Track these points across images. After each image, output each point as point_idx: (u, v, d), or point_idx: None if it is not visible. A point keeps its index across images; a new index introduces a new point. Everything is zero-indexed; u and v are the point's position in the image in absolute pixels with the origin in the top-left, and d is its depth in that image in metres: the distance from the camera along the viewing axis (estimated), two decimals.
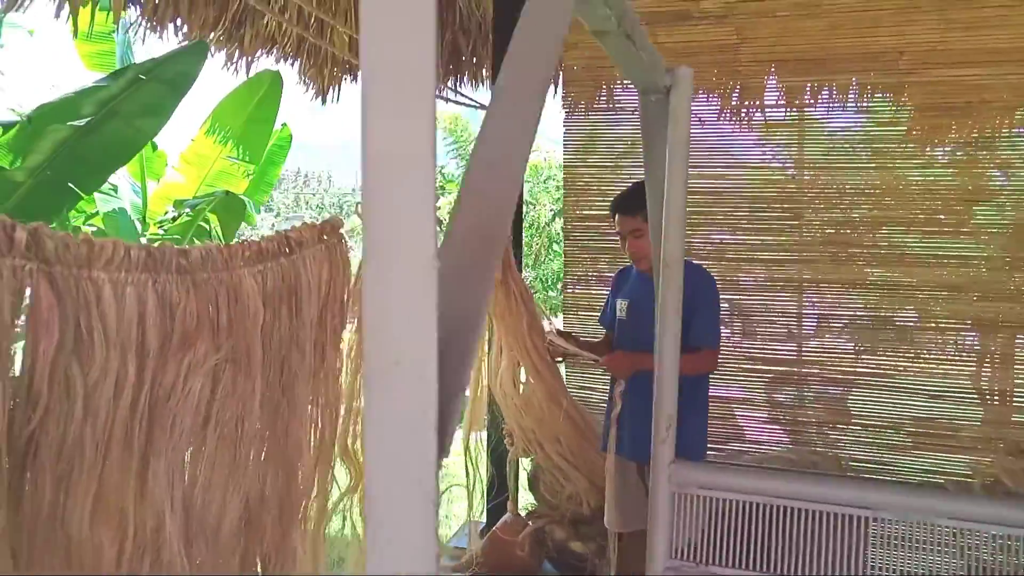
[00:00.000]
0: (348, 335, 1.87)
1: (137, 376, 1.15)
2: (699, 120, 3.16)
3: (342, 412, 1.85)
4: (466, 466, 2.83)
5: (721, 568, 1.32)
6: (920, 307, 2.89)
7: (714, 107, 3.10)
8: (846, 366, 2.99)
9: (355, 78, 4.46)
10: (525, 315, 2.71)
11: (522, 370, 2.85)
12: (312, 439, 1.71)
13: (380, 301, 0.47)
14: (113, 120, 3.27)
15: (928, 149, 2.84)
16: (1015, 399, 2.81)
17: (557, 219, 9.99)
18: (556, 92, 3.79)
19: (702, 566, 1.32)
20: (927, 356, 2.90)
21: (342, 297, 1.77)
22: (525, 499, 3.24)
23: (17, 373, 0.95)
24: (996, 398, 2.83)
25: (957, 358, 2.85)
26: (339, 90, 4.34)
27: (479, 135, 0.75)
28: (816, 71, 2.93)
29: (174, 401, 1.23)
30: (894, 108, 2.86)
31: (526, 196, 10.63)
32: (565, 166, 3.28)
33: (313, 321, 1.67)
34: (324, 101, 4.28)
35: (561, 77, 3.53)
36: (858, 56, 2.83)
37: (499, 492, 3.16)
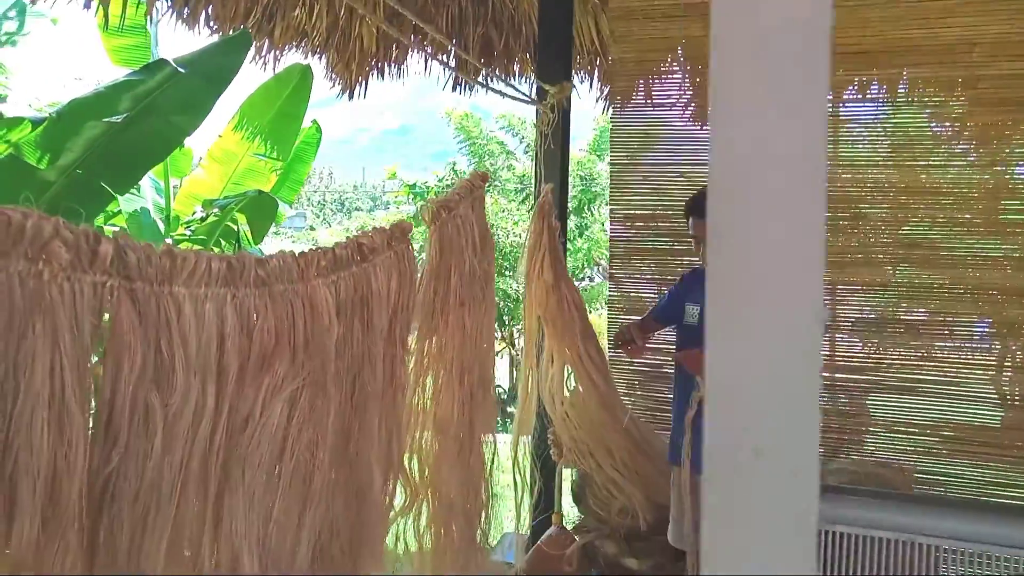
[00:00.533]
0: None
1: (216, 404, 1.02)
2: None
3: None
4: (514, 476, 2.70)
5: None
6: (988, 312, 2.75)
7: None
8: (907, 372, 2.86)
9: (382, 74, 4.32)
10: (578, 322, 2.58)
11: (570, 378, 2.72)
12: (382, 462, 1.58)
13: (733, 366, 0.34)
14: (150, 117, 3.12)
15: (994, 146, 2.70)
16: None
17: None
18: (591, 86, 3.66)
19: None
20: (993, 362, 2.76)
21: (409, 307, 1.65)
22: (568, 512, 3.11)
23: (94, 405, 0.83)
24: None
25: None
26: (366, 85, 4.22)
27: None
28: (878, 64, 2.79)
29: (252, 430, 1.10)
30: (950, 102, 2.73)
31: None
32: (612, 164, 3.14)
33: (383, 334, 1.55)
34: (352, 96, 4.16)
35: (599, 70, 3.41)
36: (921, 49, 2.69)
37: (542, 504, 3.03)
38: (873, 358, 2.89)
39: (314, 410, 1.24)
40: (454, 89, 4.31)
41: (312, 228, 20.67)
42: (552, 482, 2.99)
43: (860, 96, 2.88)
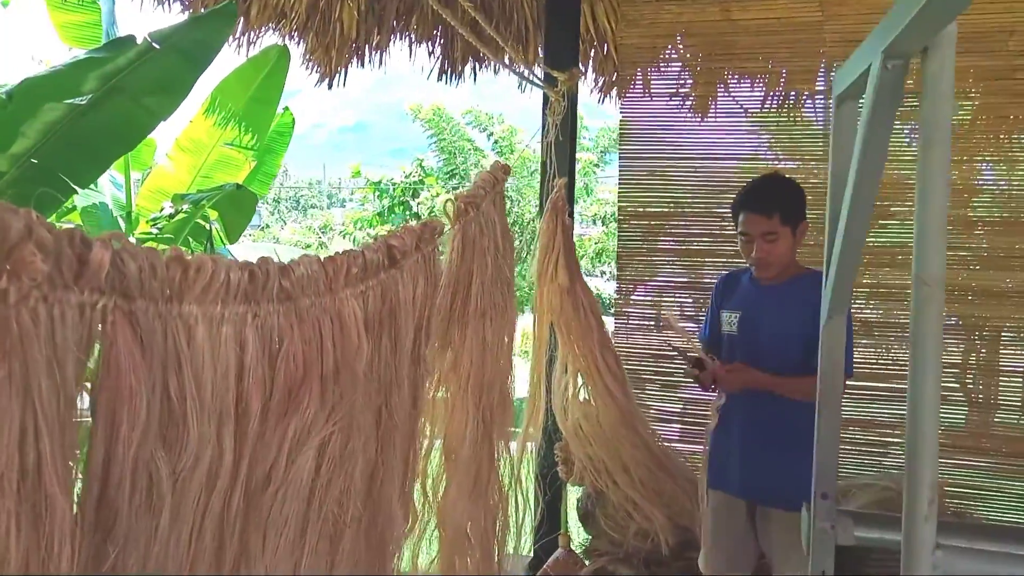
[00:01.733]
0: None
1: (234, 459, 0.78)
2: (744, 110, 2.86)
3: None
4: (516, 494, 2.48)
5: None
6: (1008, 316, 2.62)
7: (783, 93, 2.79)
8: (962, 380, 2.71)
9: (362, 61, 4.05)
10: (595, 329, 2.37)
11: (583, 389, 2.51)
12: (403, 499, 1.35)
13: None
14: (118, 98, 2.74)
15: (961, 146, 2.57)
16: None
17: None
18: (588, 73, 3.44)
19: None
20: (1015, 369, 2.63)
21: (432, 319, 1.41)
22: (575, 533, 2.90)
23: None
24: None
25: None
26: (346, 73, 3.95)
27: None
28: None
29: (275, 488, 0.86)
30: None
31: (508, 192, 10.24)
32: (621, 156, 2.94)
33: (408, 352, 1.31)
34: (331, 85, 3.88)
35: (601, 52, 3.20)
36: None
37: (547, 524, 2.82)
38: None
39: (345, 453, 1.00)
40: (439, 79, 4.06)
41: (267, 226, 20.06)
42: (558, 501, 2.77)
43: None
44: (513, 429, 1.92)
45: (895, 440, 2.76)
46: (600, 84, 3.64)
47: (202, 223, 3.78)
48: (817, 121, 2.76)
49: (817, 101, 2.76)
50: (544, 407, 2.51)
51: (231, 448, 0.77)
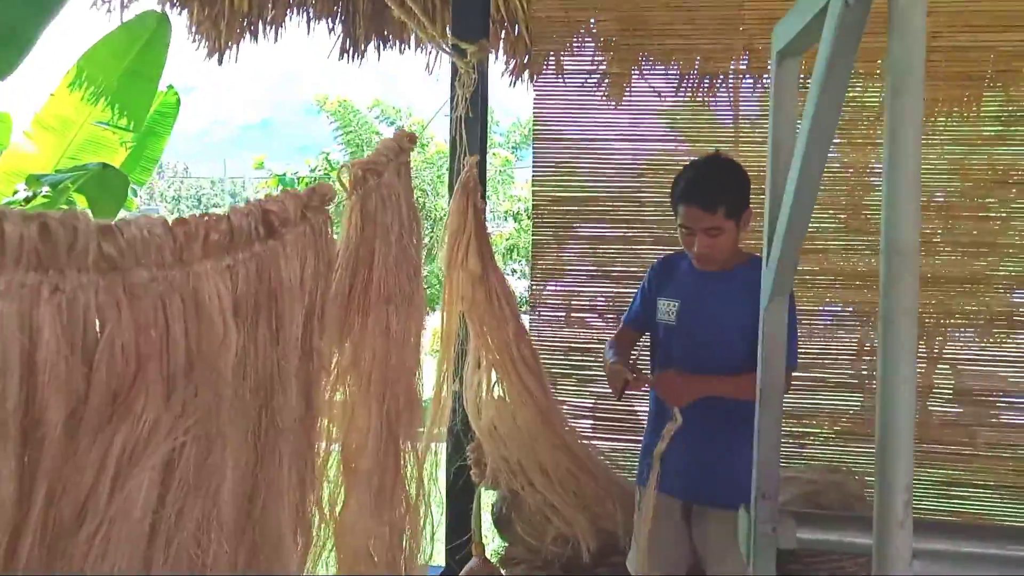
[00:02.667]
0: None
1: (20, 488, 0.54)
2: (658, 93, 2.75)
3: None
4: (423, 499, 2.28)
5: None
6: (945, 299, 2.61)
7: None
8: (857, 368, 2.68)
9: (255, 36, 3.73)
10: (511, 320, 2.19)
11: (497, 385, 2.32)
12: (293, 520, 1.12)
13: None
14: None
15: (945, 123, 2.55)
16: None
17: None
18: (498, 54, 3.25)
19: None
20: (951, 355, 2.62)
21: (325, 305, 1.19)
22: (490, 540, 2.71)
23: None
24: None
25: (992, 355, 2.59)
26: (238, 49, 3.62)
27: None
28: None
29: (93, 525, 0.62)
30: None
31: (423, 185, 10.00)
32: (535, 139, 2.77)
33: (297, 343, 1.08)
34: (220, 61, 3.55)
35: (512, 34, 3.02)
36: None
37: (459, 532, 2.62)
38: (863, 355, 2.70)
39: (204, 471, 0.77)
40: (341, 57, 3.78)
41: None
42: (470, 507, 2.58)
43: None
44: (421, 431, 1.72)
45: (814, 431, 2.71)
46: (512, 67, 3.47)
47: (67, 208, 3.34)
48: (749, 100, 2.66)
49: (743, 79, 2.67)
50: (453, 405, 2.31)
51: (13, 475, 0.54)
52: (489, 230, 2.29)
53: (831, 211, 2.68)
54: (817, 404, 2.69)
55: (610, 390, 1.98)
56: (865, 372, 2.71)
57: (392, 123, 10.98)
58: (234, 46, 3.66)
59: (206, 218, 0.82)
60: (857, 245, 2.66)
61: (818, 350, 2.69)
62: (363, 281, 1.44)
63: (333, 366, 1.39)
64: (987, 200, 2.55)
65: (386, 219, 1.50)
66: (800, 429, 2.70)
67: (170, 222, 0.78)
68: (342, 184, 1.32)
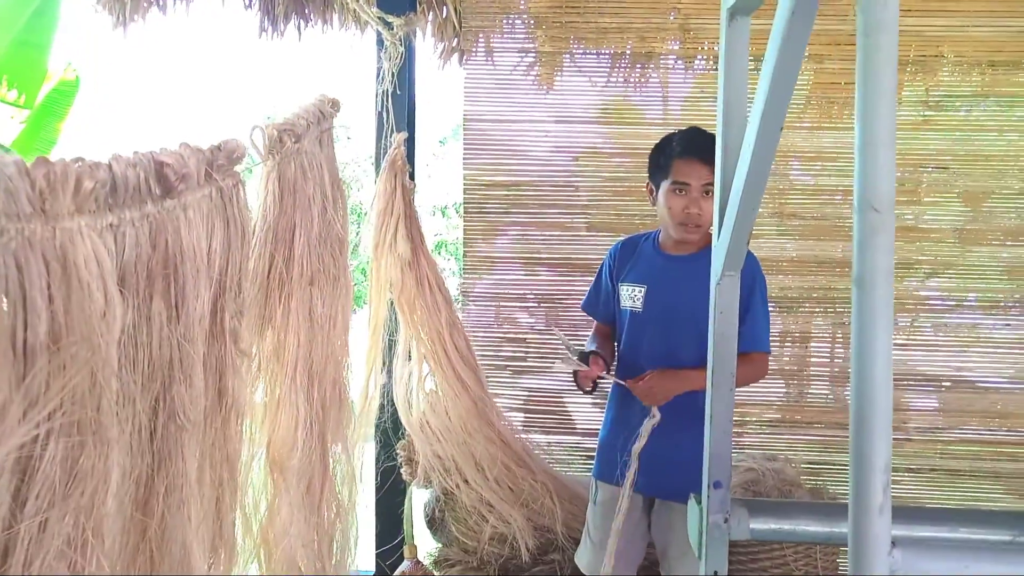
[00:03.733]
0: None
1: None
2: (590, 80, 2.68)
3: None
4: (353, 500, 2.13)
5: None
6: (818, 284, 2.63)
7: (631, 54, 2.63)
8: (798, 356, 2.67)
9: (163, 8, 3.48)
10: (443, 308, 2.07)
11: (429, 377, 2.20)
12: (205, 528, 0.98)
13: None
14: None
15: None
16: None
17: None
18: (427, 34, 3.12)
19: None
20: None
21: (241, 281, 1.05)
22: (424, 541, 2.58)
23: None
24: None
25: (917, 340, 2.61)
26: (144, 20, 3.36)
27: None
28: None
29: None
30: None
31: (347, 176, 9.73)
32: (466, 122, 2.65)
33: (204, 323, 0.94)
34: (125, 30, 3.29)
35: (440, 15, 2.89)
36: None
37: (391, 534, 2.48)
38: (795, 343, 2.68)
39: (77, 473, 0.62)
40: (259, 36, 3.56)
41: None
42: (402, 507, 2.44)
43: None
44: (351, 427, 1.58)
45: (751, 419, 2.68)
46: (441, 50, 3.33)
47: None
48: (683, 83, 2.61)
49: (676, 62, 2.62)
50: (381, 400, 2.17)
51: None
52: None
53: (764, 196, 2.66)
54: (752, 391, 2.67)
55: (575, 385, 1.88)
56: (787, 359, 2.70)
57: None
58: (139, 17, 3.40)
59: (78, 164, 0.67)
60: (787, 231, 2.65)
61: None
62: (284, 258, 1.30)
63: (254, 354, 1.25)
64: (911, 186, 2.58)
65: (308, 190, 1.36)
66: (737, 417, 2.67)
67: (34, 162, 0.63)
68: (255, 146, 1.17)
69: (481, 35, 2.68)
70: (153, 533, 0.78)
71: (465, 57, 2.72)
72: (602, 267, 2.01)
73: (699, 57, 2.61)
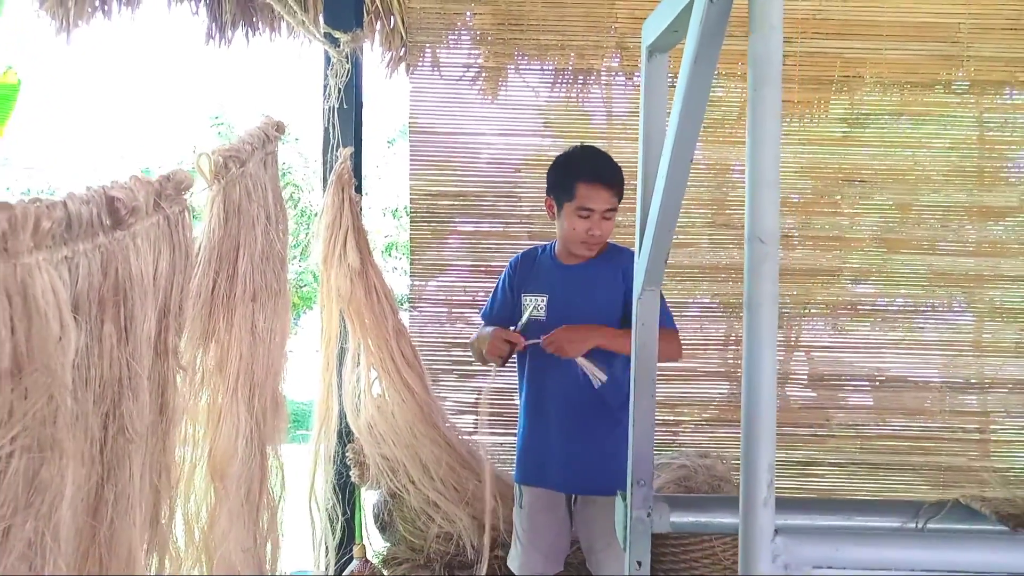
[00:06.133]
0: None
1: None
2: (534, 92, 2.79)
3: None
4: (310, 512, 2.21)
5: None
6: (801, 291, 2.78)
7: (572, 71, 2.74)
8: (724, 357, 2.81)
9: (108, 13, 3.47)
10: (390, 316, 2.15)
11: (377, 383, 2.27)
12: (146, 531, 1.04)
13: None
14: None
15: (799, 125, 2.71)
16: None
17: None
18: (374, 46, 3.18)
19: None
20: (806, 343, 2.80)
21: (183, 301, 1.12)
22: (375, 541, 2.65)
23: None
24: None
25: (841, 342, 2.78)
26: (88, 25, 3.35)
27: None
28: None
29: None
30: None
31: (296, 181, 9.71)
32: (411, 133, 2.73)
33: (150, 342, 1.01)
34: (69, 37, 3.28)
35: (387, 26, 2.97)
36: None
37: (346, 536, 2.54)
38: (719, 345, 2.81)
39: (37, 487, 0.69)
40: (207, 42, 3.57)
41: None
42: (352, 509, 2.51)
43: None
44: (297, 433, 1.65)
45: (686, 418, 2.82)
46: (388, 60, 3.40)
47: None
48: (621, 97, 2.73)
49: (615, 76, 2.73)
50: (337, 406, 2.24)
51: None
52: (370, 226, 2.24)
53: (699, 207, 2.80)
54: (688, 392, 2.80)
55: (490, 362, 1.96)
56: (732, 361, 2.84)
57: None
58: (85, 21, 3.39)
59: (36, 204, 0.74)
60: (723, 240, 2.79)
61: (689, 341, 2.79)
62: (228, 277, 1.37)
63: (198, 367, 1.31)
64: (836, 197, 2.74)
65: (252, 211, 1.42)
66: (673, 417, 2.81)
67: None
68: (202, 172, 1.24)
69: (428, 47, 2.76)
70: (102, 537, 0.85)
71: (411, 68, 2.80)
72: (502, 279, 2.11)
73: (637, 74, 2.73)
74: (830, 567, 0.93)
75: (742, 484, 0.99)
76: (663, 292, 1.95)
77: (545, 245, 2.09)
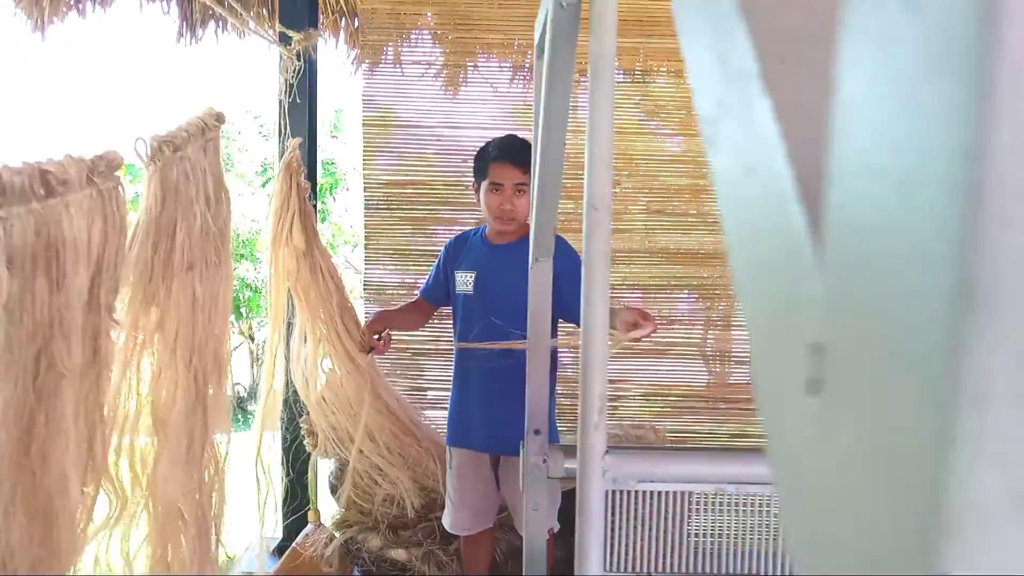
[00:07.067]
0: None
1: None
2: (492, 86, 2.96)
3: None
4: (257, 474, 2.37)
5: (665, 575, 1.10)
6: (722, 273, 2.96)
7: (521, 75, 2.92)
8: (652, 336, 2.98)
9: (82, 11, 3.63)
10: (335, 293, 2.32)
11: (325, 356, 2.44)
12: (80, 464, 1.22)
13: None
14: None
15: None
16: None
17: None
18: (338, 43, 3.35)
19: (643, 575, 1.09)
20: (729, 323, 2.98)
21: (117, 265, 1.30)
22: (330, 507, 2.83)
23: None
24: None
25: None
26: (62, 23, 3.52)
27: None
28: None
29: None
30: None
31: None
32: (364, 126, 2.89)
33: (82, 297, 1.18)
34: (43, 35, 3.44)
35: (352, 25, 3.14)
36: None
37: (297, 500, 2.72)
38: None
39: None
40: (178, 40, 3.74)
41: None
42: (306, 476, 2.69)
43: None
44: (229, 394, 1.82)
45: (625, 393, 3.00)
46: (353, 57, 3.57)
47: None
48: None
49: None
50: (284, 381, 2.41)
51: None
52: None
53: (636, 195, 2.98)
54: (627, 368, 2.99)
55: None
56: (668, 339, 3.02)
57: (256, 116, 10.68)
58: (57, 20, 3.55)
59: None
60: (656, 226, 2.97)
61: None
62: (167, 249, 1.54)
63: (139, 328, 1.48)
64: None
65: (191, 192, 1.60)
66: (612, 391, 2.99)
67: None
68: (138, 154, 1.42)
69: (389, 46, 2.93)
70: (35, 452, 1.02)
71: (362, 65, 2.97)
72: (439, 259, 2.34)
73: (583, 79, 2.91)
74: (651, 480, 1.11)
75: (580, 412, 1.17)
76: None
77: (478, 228, 2.28)
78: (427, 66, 2.92)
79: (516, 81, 2.96)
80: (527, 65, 2.96)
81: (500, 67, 2.98)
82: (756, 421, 2.96)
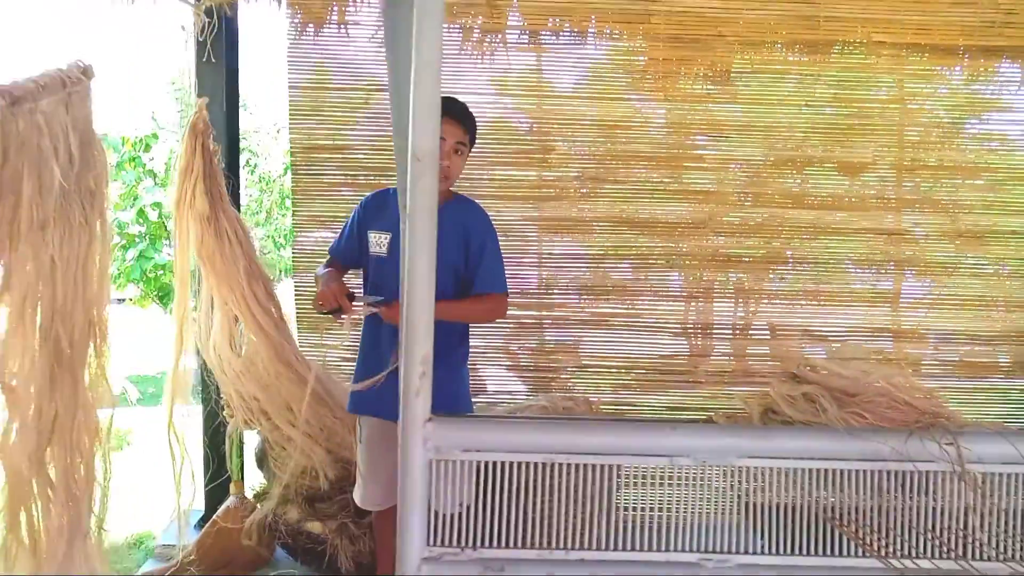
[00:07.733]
0: None
1: None
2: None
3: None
4: (170, 445, 2.31)
5: (492, 550, 1.04)
6: (665, 244, 2.89)
7: (455, 38, 2.83)
8: (589, 307, 2.93)
9: None
10: (242, 258, 2.25)
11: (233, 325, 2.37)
12: None
13: None
14: None
15: (668, 83, 2.80)
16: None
17: (288, 173, 9.22)
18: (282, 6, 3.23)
19: (468, 550, 1.03)
20: (669, 294, 2.92)
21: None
22: (254, 479, 2.78)
23: None
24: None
25: (702, 295, 2.89)
26: None
27: None
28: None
29: None
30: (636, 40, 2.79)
31: (254, 147, 9.73)
32: (290, 88, 2.79)
33: None
34: None
35: None
36: None
37: (219, 473, 2.67)
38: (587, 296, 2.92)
39: None
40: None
41: None
42: (225, 448, 2.64)
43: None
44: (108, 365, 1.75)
45: (561, 364, 2.93)
46: (297, 21, 3.45)
47: None
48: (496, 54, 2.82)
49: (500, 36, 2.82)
50: (192, 351, 2.34)
51: None
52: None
53: (573, 163, 2.90)
54: (564, 339, 2.92)
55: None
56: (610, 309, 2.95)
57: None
58: None
59: None
60: (593, 195, 2.89)
61: (561, 292, 2.92)
62: (12, 206, 1.46)
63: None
64: (700, 152, 2.85)
65: (43, 145, 1.52)
66: (550, 363, 2.93)
67: None
68: None
69: (334, 6, 2.82)
70: None
71: (299, 26, 2.87)
72: (352, 216, 2.19)
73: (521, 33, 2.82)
74: (478, 450, 1.05)
75: (402, 378, 1.10)
76: (503, 256, 2.06)
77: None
78: (356, 26, 2.82)
79: (466, 44, 2.87)
80: (476, 27, 2.86)
81: (448, 28, 2.88)
82: (695, 392, 2.91)
